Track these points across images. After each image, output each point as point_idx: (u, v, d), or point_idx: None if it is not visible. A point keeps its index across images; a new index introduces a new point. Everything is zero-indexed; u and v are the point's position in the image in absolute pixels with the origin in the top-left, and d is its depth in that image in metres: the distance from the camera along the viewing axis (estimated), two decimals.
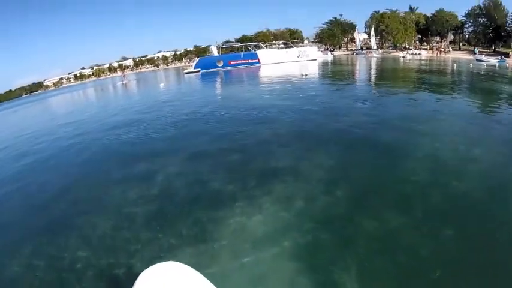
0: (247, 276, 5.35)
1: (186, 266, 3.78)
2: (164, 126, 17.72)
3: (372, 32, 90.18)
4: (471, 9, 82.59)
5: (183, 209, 7.84)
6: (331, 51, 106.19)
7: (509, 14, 73.83)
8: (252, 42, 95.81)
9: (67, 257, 6.57)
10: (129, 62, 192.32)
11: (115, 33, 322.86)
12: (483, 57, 53.80)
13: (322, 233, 6.36)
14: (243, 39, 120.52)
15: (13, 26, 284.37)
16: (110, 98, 48.01)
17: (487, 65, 45.03)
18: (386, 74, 41.20)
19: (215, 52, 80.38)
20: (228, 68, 70.50)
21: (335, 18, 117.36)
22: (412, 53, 75.32)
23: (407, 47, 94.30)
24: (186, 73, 71.46)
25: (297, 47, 78.63)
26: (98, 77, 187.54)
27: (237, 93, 29.73)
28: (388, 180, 8.49)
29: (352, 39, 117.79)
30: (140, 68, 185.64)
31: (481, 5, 77.86)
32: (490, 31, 76.63)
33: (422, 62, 56.73)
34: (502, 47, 74.14)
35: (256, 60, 72.88)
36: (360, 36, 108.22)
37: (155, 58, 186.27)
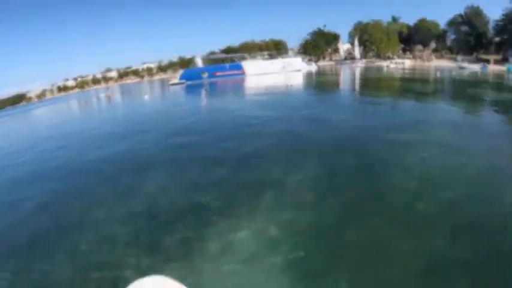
0: None
1: (172, 280, 3.60)
2: (147, 139, 17.22)
3: (356, 42, 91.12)
4: (453, 18, 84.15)
5: (169, 224, 7.53)
6: (315, 61, 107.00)
7: (490, 21, 75.39)
8: (237, 53, 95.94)
9: (50, 275, 6.24)
10: (113, 74, 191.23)
11: (99, 44, 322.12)
12: (465, 64, 54.64)
13: (311, 245, 6.18)
14: (228, 50, 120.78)
15: None
16: (93, 111, 47.22)
17: (469, 72, 45.72)
18: (371, 83, 41.33)
19: (200, 63, 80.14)
20: (213, 80, 70.16)
21: (319, 28, 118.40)
22: (396, 62, 76.07)
23: (391, 56, 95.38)
24: (171, 84, 70.92)
25: (282, 58, 78.87)
26: (82, 88, 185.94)
27: (222, 104, 29.40)
28: (376, 189, 8.31)
29: (336, 50, 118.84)
30: (125, 80, 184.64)
31: (462, 13, 79.42)
32: (471, 39, 78.00)
33: (406, 71, 57.29)
34: (483, 53, 75.45)
35: (242, 72, 72.78)
36: (343, 46, 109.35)
37: (140, 70, 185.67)
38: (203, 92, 47.97)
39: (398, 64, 73.94)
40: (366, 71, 63.95)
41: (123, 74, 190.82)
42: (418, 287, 4.95)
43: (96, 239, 7.44)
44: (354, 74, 57.33)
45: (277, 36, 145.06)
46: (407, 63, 77.00)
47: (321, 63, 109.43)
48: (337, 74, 62.76)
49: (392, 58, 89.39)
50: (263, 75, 66.52)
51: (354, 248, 6.07)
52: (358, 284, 5.04)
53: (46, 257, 6.87)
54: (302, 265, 5.65)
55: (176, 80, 73.74)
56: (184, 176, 10.89)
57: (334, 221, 7.04)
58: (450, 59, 76.56)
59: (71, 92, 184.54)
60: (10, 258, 7.08)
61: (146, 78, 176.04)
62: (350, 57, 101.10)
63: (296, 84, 41.95)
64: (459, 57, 69.73)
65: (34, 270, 6.50)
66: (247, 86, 50.72)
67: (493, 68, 50.21)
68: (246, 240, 6.60)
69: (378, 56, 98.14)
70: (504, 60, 59.22)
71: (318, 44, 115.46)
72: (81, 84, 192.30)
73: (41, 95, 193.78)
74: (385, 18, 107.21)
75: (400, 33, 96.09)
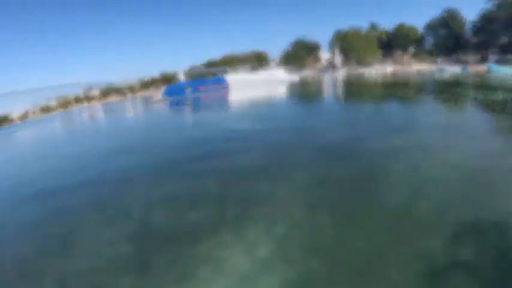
0: None
1: None
2: (135, 156, 16.74)
3: (336, 51, 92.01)
4: (431, 21, 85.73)
5: (160, 245, 7.12)
6: (297, 72, 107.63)
7: (467, 23, 76.95)
8: (218, 66, 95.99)
9: None
10: (96, 92, 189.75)
11: (79, 59, 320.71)
12: (446, 66, 55.41)
13: (309, 260, 5.83)
14: (210, 64, 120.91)
15: None
16: (80, 130, 46.53)
17: (450, 74, 46.36)
18: (353, 90, 41.51)
19: (182, 78, 79.87)
20: (197, 94, 69.86)
21: (299, 39, 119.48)
22: (377, 69, 76.91)
23: (372, 63, 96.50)
24: (155, 101, 70.42)
25: (264, 69, 79.11)
26: (65, 108, 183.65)
27: (208, 118, 29.08)
28: (372, 198, 8.06)
29: (317, 59, 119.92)
30: (107, 98, 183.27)
31: (440, 17, 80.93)
32: (450, 41, 79.41)
33: (387, 76, 57.82)
34: (462, 55, 76.79)
35: (225, 85, 72.66)
36: (324, 55, 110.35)
37: (122, 88, 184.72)
38: (187, 107, 47.57)
39: (379, 70, 74.76)
40: (347, 78, 64.51)
41: (105, 93, 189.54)
42: None
43: (84, 264, 7.04)
44: (335, 83, 57.72)
45: (258, 48, 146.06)
46: (388, 68, 77.88)
47: (303, 73, 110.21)
48: (319, 83, 63.11)
49: (373, 65, 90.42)
50: (246, 88, 66.47)
51: (354, 260, 5.83)
52: None
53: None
54: (301, 282, 5.43)
55: (159, 97, 73.31)
56: (170, 192, 10.51)
57: (332, 233, 6.79)
58: (430, 62, 77.66)
59: (53, 112, 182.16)
60: None
61: (129, 96, 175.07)
62: (331, 65, 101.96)
63: (280, 95, 41.96)
64: (439, 60, 70.81)
65: None
66: (231, 99, 50.58)
67: (473, 68, 50.96)
68: (242, 256, 6.29)
69: (359, 63, 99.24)
70: (483, 60, 60.29)
71: (299, 54, 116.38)
72: (64, 104, 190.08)
73: (24, 117, 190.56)
74: (364, 25, 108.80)
75: (379, 40, 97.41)
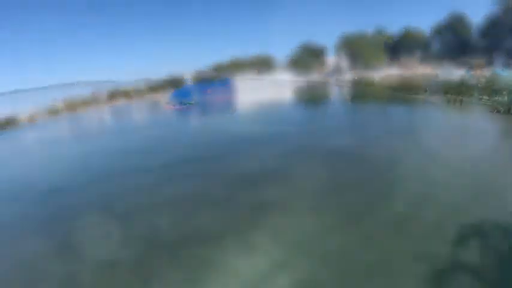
0: None
1: None
2: (147, 162, 17.20)
3: (342, 55, 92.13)
4: (437, 25, 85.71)
5: (170, 252, 7.32)
6: (303, 75, 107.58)
7: (474, 26, 76.91)
8: (226, 70, 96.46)
9: None
10: (103, 95, 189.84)
11: (84, 58, 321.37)
12: (452, 70, 55.58)
13: (319, 267, 6.03)
14: (217, 67, 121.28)
15: None
16: (97, 132, 46.85)
17: (456, 77, 46.55)
18: (360, 93, 41.79)
19: (190, 82, 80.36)
20: (205, 98, 70.28)
21: (305, 43, 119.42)
22: (383, 72, 76.97)
23: (378, 67, 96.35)
24: (163, 104, 70.83)
25: (271, 73, 79.44)
26: (72, 111, 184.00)
27: (218, 122, 29.48)
28: (382, 202, 8.27)
29: (324, 63, 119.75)
30: (114, 101, 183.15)
31: (446, 21, 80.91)
32: (455, 45, 79.32)
33: (394, 79, 57.94)
34: (468, 59, 76.64)
35: (232, 89, 73.08)
36: (330, 59, 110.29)
37: (129, 90, 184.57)
38: (195, 111, 47.93)
39: (385, 74, 74.75)
40: (354, 82, 64.59)
41: (112, 95, 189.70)
42: None
43: (95, 270, 7.22)
44: (342, 87, 57.84)
45: (265, 51, 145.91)
46: (395, 72, 77.89)
47: (309, 77, 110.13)
48: (326, 87, 63.26)
49: (380, 68, 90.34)
50: (253, 92, 66.81)
51: (364, 267, 5.97)
52: None
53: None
54: None
55: (167, 100, 73.71)
56: (183, 197, 10.79)
57: (341, 241, 6.94)
58: (436, 65, 77.65)
59: (61, 115, 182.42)
60: None
61: (136, 99, 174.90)
62: (338, 69, 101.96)
63: (287, 99, 42.28)
64: (445, 64, 70.82)
65: None
66: (238, 103, 50.93)
67: (479, 72, 51.09)
68: (251, 264, 6.38)
69: (366, 67, 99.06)
70: (489, 64, 60.37)
71: (305, 58, 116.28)
72: (71, 107, 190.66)
73: (32, 119, 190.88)
74: (369, 29, 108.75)
75: (385, 44, 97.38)
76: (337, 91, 51.70)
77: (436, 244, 6.62)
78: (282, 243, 7.07)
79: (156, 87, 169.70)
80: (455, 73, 51.09)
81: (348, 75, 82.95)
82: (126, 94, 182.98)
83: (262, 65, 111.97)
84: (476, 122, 15.84)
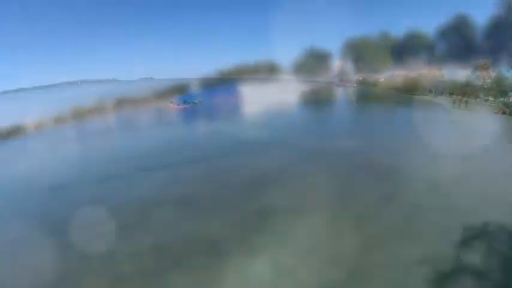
0: None
1: None
2: (155, 167, 17.26)
3: (347, 59, 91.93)
4: (442, 28, 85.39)
5: (179, 261, 7.27)
6: (308, 80, 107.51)
7: (478, 28, 76.55)
8: (231, 76, 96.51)
9: None
10: (109, 103, 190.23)
11: (88, 58, 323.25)
12: (457, 72, 55.40)
13: (331, 272, 5.96)
14: (223, 73, 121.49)
15: None
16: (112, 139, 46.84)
17: (461, 79, 46.38)
18: (366, 96, 41.80)
19: (196, 88, 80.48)
20: (210, 103, 70.36)
21: (310, 49, 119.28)
22: (388, 75, 76.62)
23: (383, 70, 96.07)
24: (169, 111, 71.05)
25: (276, 79, 79.29)
26: (79, 119, 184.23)
27: (223, 128, 29.53)
28: (391, 205, 8.25)
29: (329, 68, 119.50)
30: (121, 109, 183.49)
31: (450, 23, 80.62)
32: (460, 47, 79.00)
33: (399, 81, 57.71)
34: (473, 60, 76.22)
35: (237, 94, 73.07)
36: (335, 64, 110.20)
37: (135, 98, 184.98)
38: (201, 117, 47.98)
39: (390, 77, 74.41)
40: (360, 86, 64.47)
41: (119, 103, 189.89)
42: None
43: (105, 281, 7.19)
44: (348, 91, 57.78)
45: (270, 57, 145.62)
46: (400, 75, 77.57)
47: (314, 81, 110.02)
48: (331, 91, 63.17)
49: (385, 72, 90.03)
50: (258, 97, 66.79)
51: (378, 270, 5.92)
52: None
53: None
54: None
55: (173, 107, 74.04)
56: (191, 204, 10.83)
57: (354, 244, 6.86)
58: (441, 67, 77.37)
59: (68, 123, 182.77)
60: None
61: (142, 107, 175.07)
62: (343, 74, 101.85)
63: (291, 104, 42.31)
64: (450, 65, 70.53)
65: None
66: (244, 108, 50.90)
67: (484, 73, 50.91)
68: (262, 270, 6.31)
69: (371, 70, 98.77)
70: (495, 64, 60.04)
71: (310, 63, 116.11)
72: (78, 115, 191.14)
73: (39, 126, 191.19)
74: (374, 31, 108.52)
75: (390, 47, 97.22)
76: (343, 94, 51.70)
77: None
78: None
79: (162, 94, 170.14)
80: (460, 74, 50.96)
81: (353, 79, 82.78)
82: (132, 102, 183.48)
83: (268, 70, 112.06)
84: (485, 125, 15.90)
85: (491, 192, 8.83)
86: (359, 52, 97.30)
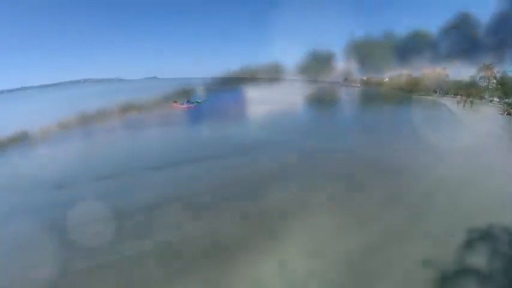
0: None
1: None
2: (160, 171, 17.40)
3: (351, 60, 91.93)
4: (445, 26, 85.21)
5: (193, 264, 7.19)
6: (313, 81, 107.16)
7: (481, 25, 76.31)
8: (236, 78, 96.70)
9: None
10: (115, 108, 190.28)
11: (91, 57, 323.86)
12: (462, 69, 55.57)
13: (346, 276, 5.98)
14: (228, 75, 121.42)
15: None
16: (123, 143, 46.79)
17: (466, 76, 46.62)
18: (370, 96, 42.04)
19: (201, 91, 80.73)
20: (215, 105, 70.77)
21: (314, 50, 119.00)
22: (392, 74, 76.68)
23: (387, 70, 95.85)
24: (175, 114, 71.44)
25: (281, 80, 79.36)
26: (85, 124, 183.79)
27: (231, 129, 29.81)
28: (403, 207, 8.44)
29: (333, 68, 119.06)
30: (126, 114, 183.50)
31: (454, 21, 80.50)
32: (464, 44, 78.82)
33: (403, 81, 57.78)
34: (477, 57, 76.04)
35: (243, 97, 73.43)
36: (339, 64, 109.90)
37: (141, 103, 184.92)
38: (207, 120, 48.28)
39: (395, 77, 74.41)
40: (364, 87, 64.53)
41: (124, 108, 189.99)
42: None
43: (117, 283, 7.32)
44: (353, 92, 57.88)
45: (274, 59, 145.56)
46: (404, 74, 77.55)
47: (319, 83, 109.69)
48: (335, 92, 63.24)
49: (389, 71, 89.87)
50: (264, 99, 67.10)
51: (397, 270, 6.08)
52: None
53: None
54: None
55: (179, 110, 74.45)
56: (203, 206, 11.00)
57: (373, 246, 7.00)
58: (446, 66, 77.27)
59: (74, 129, 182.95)
60: None
61: (147, 111, 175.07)
62: (347, 74, 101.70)
63: (296, 105, 42.65)
64: (454, 63, 70.51)
65: None
66: (249, 110, 51.19)
67: (489, 73, 51.02)
68: (276, 275, 6.36)
69: (375, 70, 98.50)
70: (498, 63, 60.02)
71: (315, 64, 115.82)
72: (84, 121, 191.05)
73: (46, 133, 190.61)
74: (377, 31, 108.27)
75: (394, 46, 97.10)
76: (348, 94, 51.93)
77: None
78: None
79: (168, 98, 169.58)
80: (464, 73, 51.15)
81: (358, 79, 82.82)
82: (138, 107, 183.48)
83: (272, 72, 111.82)
84: (490, 125, 16.39)
85: (500, 191, 9.22)
86: (363, 52, 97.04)
